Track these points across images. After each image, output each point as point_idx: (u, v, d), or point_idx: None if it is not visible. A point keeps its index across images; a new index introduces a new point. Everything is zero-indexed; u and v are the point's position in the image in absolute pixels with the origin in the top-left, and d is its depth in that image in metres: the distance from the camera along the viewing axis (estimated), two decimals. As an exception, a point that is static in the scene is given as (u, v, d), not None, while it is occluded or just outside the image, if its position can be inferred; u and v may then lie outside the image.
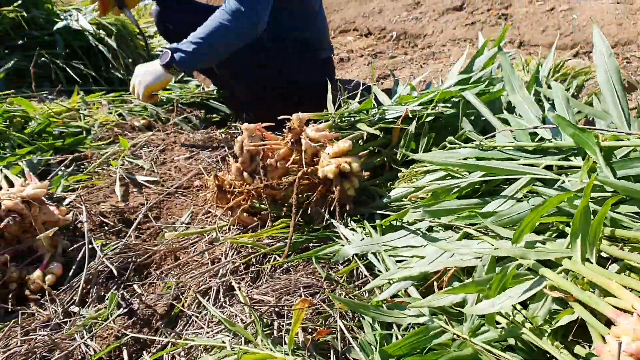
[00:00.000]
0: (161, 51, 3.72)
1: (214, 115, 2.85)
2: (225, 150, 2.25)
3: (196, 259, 1.51)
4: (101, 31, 3.44)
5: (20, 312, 1.37)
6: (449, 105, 1.80)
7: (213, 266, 1.44)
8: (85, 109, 2.58)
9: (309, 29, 2.71)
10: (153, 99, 2.37)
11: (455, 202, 1.34)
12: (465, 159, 1.42)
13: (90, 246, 1.53)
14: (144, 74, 2.31)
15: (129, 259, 1.54)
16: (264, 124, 1.63)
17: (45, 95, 2.91)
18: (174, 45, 2.24)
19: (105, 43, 3.36)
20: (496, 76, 1.93)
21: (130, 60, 3.46)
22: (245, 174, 1.59)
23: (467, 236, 1.27)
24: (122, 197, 1.88)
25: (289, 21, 2.66)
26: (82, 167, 2.10)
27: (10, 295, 1.41)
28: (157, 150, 2.24)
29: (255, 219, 1.61)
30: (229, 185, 1.64)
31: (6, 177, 1.66)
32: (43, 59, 3.17)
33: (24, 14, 3.22)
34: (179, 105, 2.82)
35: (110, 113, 2.54)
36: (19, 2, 3.26)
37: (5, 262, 1.46)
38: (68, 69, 3.14)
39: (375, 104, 1.79)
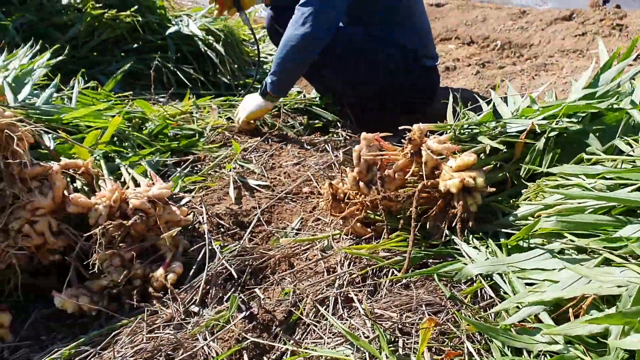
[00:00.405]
0: (266, 57, 3.82)
1: (317, 121, 2.86)
2: (331, 157, 2.25)
3: (311, 266, 1.51)
4: (210, 37, 3.56)
5: (145, 309, 1.42)
6: (574, 120, 1.71)
7: (329, 275, 1.43)
8: (196, 112, 2.67)
9: (413, 36, 2.68)
10: (250, 126, 2.52)
11: (592, 217, 1.26)
12: (603, 177, 1.34)
13: (209, 247, 1.57)
14: (248, 102, 2.49)
15: (246, 262, 1.56)
16: (382, 134, 1.61)
17: (157, 97, 3.04)
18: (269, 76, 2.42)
19: (213, 48, 3.47)
20: (623, 91, 1.81)
21: (236, 65, 3.56)
22: (361, 183, 1.57)
23: (606, 261, 1.18)
24: (235, 199, 1.91)
25: (395, 28, 2.63)
26: (196, 168, 2.17)
27: (134, 292, 1.47)
28: (266, 156, 2.28)
29: (369, 230, 1.59)
30: (343, 194, 1.63)
31: (132, 177, 1.74)
32: (155, 62, 3.31)
33: (139, 18, 3.38)
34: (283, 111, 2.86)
35: (220, 117, 2.61)
36: (135, 7, 3.43)
37: (131, 259, 1.52)
38: (179, 73, 3.27)
39: (495, 116, 1.73)
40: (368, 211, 1.60)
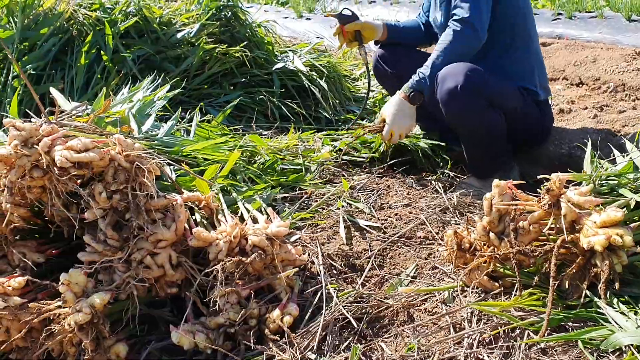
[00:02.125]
0: (365, 93, 3.80)
1: (423, 159, 2.77)
2: (444, 200, 2.15)
3: (434, 320, 1.42)
4: (313, 73, 3.59)
5: (262, 352, 1.38)
6: None
7: (456, 333, 1.33)
8: (302, 147, 2.66)
9: (532, 64, 2.58)
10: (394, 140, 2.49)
11: None
12: None
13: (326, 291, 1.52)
14: (400, 118, 2.42)
15: (363, 310, 1.49)
16: (514, 182, 1.50)
17: (262, 131, 3.08)
18: (415, 79, 2.40)
19: (316, 84, 3.50)
20: None
21: (337, 101, 3.56)
22: (492, 234, 1.47)
23: None
24: (346, 240, 1.86)
25: (515, 55, 2.54)
26: (303, 204, 2.14)
27: (250, 332, 1.43)
28: (374, 195, 2.22)
29: (496, 284, 1.48)
30: (469, 244, 1.54)
31: (251, 213, 1.73)
32: (261, 96, 3.37)
33: (248, 54, 3.47)
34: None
35: (326, 151, 2.59)
36: (245, 43, 3.53)
37: (247, 297, 1.49)
38: (283, 107, 3.30)
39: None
40: (496, 264, 1.49)
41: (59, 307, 1.45)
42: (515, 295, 1.41)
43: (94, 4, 3.18)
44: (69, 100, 2.02)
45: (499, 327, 1.31)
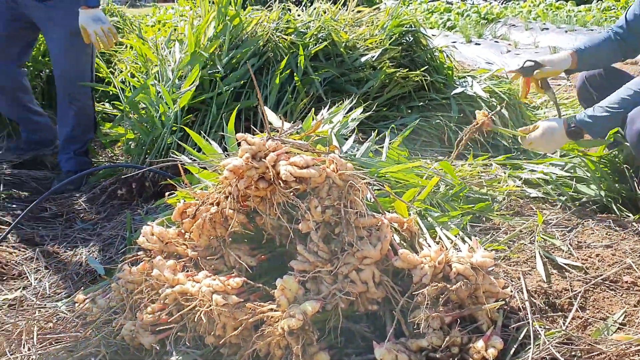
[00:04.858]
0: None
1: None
2: (650, 245, 1.99)
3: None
4: (493, 99, 3.52)
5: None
6: None
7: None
8: (484, 175, 2.62)
9: None
10: None
11: None
12: None
13: (533, 328, 1.47)
14: (547, 142, 2.44)
15: (573, 353, 1.42)
16: None
17: (437, 156, 3.07)
18: (584, 113, 2.34)
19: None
20: None
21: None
22: None
23: None
24: (545, 277, 1.79)
25: None
26: (490, 235, 2.10)
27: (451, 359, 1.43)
28: (569, 231, 2.11)
29: None
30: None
31: (450, 240, 1.73)
32: (437, 120, 3.38)
33: (427, 77, 3.50)
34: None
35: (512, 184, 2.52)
36: (425, 67, 3.56)
37: (450, 324, 1.49)
38: (459, 132, 3.28)
39: None
40: None
41: (271, 309, 1.56)
42: None
43: (289, 28, 3.41)
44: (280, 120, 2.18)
45: None
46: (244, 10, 3.49)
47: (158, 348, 1.65)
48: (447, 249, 1.64)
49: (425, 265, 1.53)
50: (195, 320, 1.60)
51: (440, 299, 1.50)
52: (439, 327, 1.49)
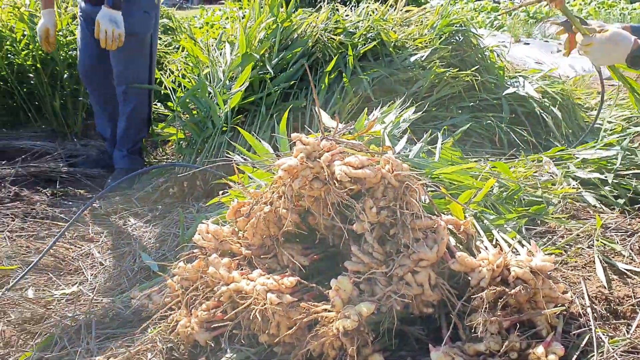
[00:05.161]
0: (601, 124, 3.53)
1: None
2: None
3: None
4: (545, 100, 3.44)
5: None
6: None
7: None
8: (537, 176, 2.55)
9: None
10: None
11: None
12: None
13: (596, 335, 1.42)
14: (608, 52, 2.23)
15: (638, 362, 1.37)
16: None
17: (488, 157, 3.01)
18: None
19: (548, 111, 3.34)
20: None
21: (570, 130, 3.37)
22: None
23: None
24: (606, 282, 1.73)
25: None
26: (546, 239, 2.04)
27: (510, 364, 1.40)
28: (629, 235, 2.04)
29: None
30: None
31: (508, 243, 1.70)
32: (488, 121, 3.32)
33: (478, 78, 3.44)
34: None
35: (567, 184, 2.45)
36: (475, 67, 3.51)
37: (508, 329, 1.46)
38: (511, 133, 3.21)
39: None
40: None
41: (325, 310, 1.56)
42: None
43: (338, 28, 3.41)
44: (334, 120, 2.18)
45: None
46: (296, 11, 3.51)
47: (212, 345, 1.67)
48: (505, 252, 1.60)
49: (483, 268, 1.50)
50: (250, 318, 1.61)
51: (499, 303, 1.46)
52: (497, 332, 1.45)
